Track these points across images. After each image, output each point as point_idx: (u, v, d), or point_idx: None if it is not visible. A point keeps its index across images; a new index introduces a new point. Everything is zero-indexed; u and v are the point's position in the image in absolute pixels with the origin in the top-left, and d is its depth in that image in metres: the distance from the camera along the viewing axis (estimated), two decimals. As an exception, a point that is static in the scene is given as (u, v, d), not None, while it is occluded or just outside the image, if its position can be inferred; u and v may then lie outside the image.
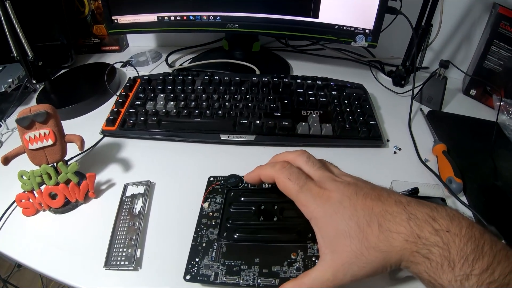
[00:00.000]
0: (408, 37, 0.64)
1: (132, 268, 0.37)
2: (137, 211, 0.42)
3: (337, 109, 0.56)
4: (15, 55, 0.56)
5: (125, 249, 0.38)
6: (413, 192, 0.42)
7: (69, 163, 0.45)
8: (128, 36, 0.86)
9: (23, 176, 0.43)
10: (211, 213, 0.40)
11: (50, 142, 0.43)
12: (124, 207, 0.43)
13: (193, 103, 0.57)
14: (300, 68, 0.75)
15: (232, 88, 0.60)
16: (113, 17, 0.66)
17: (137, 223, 0.41)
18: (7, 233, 0.42)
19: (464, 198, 0.45)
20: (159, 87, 0.61)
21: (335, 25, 0.62)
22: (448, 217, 0.27)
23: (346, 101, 0.58)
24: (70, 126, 0.52)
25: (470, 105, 0.65)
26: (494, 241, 0.26)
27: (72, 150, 0.47)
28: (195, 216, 0.40)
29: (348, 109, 0.56)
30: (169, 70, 0.72)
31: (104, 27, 0.79)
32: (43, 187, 0.43)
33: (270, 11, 0.63)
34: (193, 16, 0.66)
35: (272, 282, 0.33)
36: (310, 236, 0.35)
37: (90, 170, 0.46)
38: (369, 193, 0.31)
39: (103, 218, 0.43)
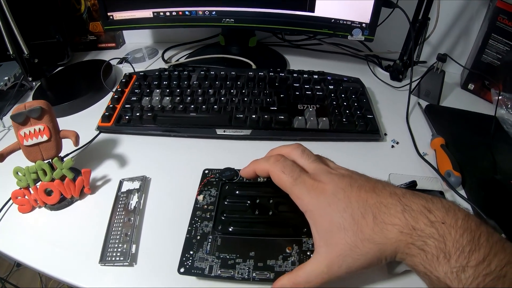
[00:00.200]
0: (405, 31, 0.63)
1: (128, 263, 0.36)
2: (132, 207, 0.42)
3: (334, 103, 0.56)
4: (11, 53, 0.56)
5: (120, 245, 0.38)
6: (411, 185, 0.41)
7: (64, 159, 0.45)
8: (125, 33, 0.85)
9: (19, 173, 0.43)
10: (205, 206, 0.39)
11: (45, 138, 0.43)
12: (120, 202, 0.43)
13: (189, 98, 0.56)
14: (297, 63, 0.74)
15: (228, 83, 0.59)
16: (108, 14, 0.66)
17: (132, 218, 0.41)
18: (3, 231, 0.42)
19: (463, 192, 0.45)
20: (154, 82, 0.61)
21: (332, 19, 0.61)
22: (443, 209, 0.27)
23: (343, 95, 0.57)
24: (66, 123, 0.51)
25: (468, 99, 0.64)
26: (490, 233, 0.26)
27: (68, 146, 0.47)
28: (190, 211, 0.39)
29: (345, 103, 0.56)
30: (166, 66, 0.72)
31: (100, 23, 0.78)
32: (38, 183, 0.43)
33: (266, 5, 0.63)
34: (188, 11, 0.65)
35: (267, 275, 0.33)
36: (305, 230, 0.35)
37: (86, 166, 0.46)
38: (363, 185, 0.31)
39: (98, 214, 0.42)
